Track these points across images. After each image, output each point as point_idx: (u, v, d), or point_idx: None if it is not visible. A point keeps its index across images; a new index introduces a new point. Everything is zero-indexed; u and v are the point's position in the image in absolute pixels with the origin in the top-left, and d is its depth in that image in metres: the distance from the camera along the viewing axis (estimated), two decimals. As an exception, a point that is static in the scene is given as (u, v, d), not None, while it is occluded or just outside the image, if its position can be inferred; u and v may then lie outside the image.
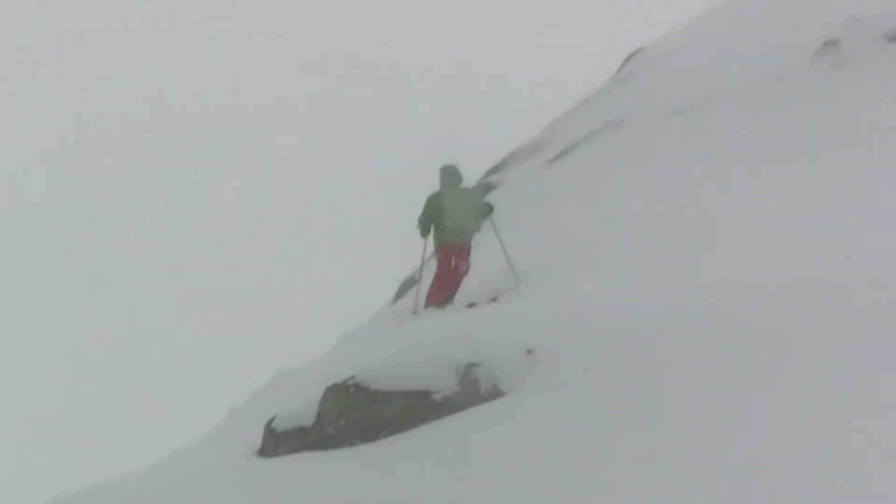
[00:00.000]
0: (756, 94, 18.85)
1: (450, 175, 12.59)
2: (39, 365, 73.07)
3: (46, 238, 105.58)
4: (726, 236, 11.26)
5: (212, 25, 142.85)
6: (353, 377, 9.10)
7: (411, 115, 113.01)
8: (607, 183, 17.10)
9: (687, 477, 5.95)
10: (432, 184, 12.68)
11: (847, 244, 9.62)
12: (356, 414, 8.89)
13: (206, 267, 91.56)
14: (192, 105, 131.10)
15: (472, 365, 8.72)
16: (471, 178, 13.91)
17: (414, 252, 13.58)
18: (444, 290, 12.40)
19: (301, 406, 9.43)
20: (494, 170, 26.28)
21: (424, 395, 8.68)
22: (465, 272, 12.43)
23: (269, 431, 9.55)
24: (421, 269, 13.51)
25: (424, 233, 12.53)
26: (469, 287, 12.39)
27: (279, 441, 9.39)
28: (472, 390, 8.58)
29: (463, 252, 12.42)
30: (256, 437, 9.72)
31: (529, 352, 8.71)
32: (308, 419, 9.24)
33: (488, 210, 12.76)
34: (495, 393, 8.50)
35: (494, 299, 11.91)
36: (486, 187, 22.38)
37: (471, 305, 11.89)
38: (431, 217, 12.40)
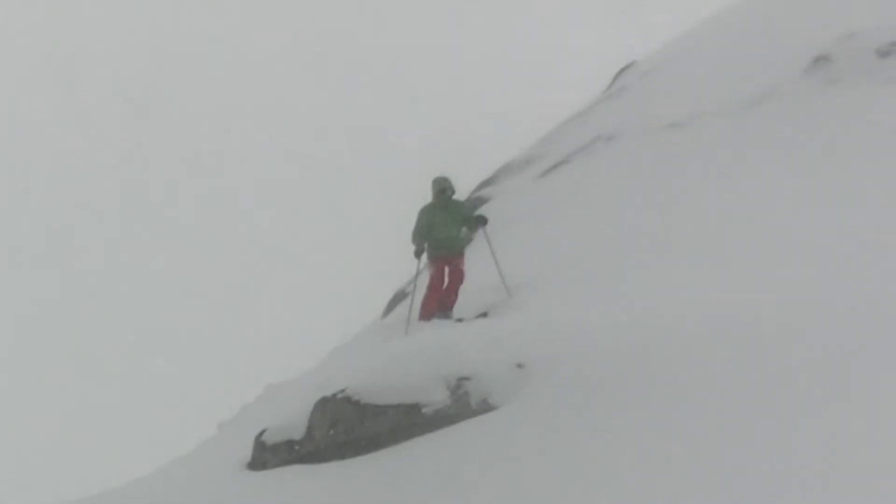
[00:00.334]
0: (748, 110, 18.90)
1: (441, 187, 12.58)
2: (33, 373, 72.95)
3: (46, 242, 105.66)
4: (719, 250, 11.28)
5: (212, 25, 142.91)
6: (343, 390, 9.07)
7: (407, 124, 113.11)
8: (600, 197, 17.09)
9: (680, 493, 5.91)
10: (424, 196, 12.68)
11: (839, 255, 9.67)
12: (346, 427, 8.86)
13: (199, 278, 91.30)
14: (193, 105, 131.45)
15: (462, 379, 8.70)
16: (463, 190, 13.85)
17: (405, 264, 13.54)
18: (438, 301, 12.36)
19: (291, 419, 9.40)
20: (486, 183, 26.22)
21: (415, 408, 8.65)
22: (461, 280, 12.40)
23: (259, 444, 9.51)
24: (413, 282, 13.46)
25: (419, 253, 12.51)
26: (460, 300, 12.36)
27: (269, 454, 9.35)
28: (462, 404, 8.56)
29: (454, 261, 12.40)
30: (246, 450, 9.67)
31: (520, 366, 8.69)
32: (298, 432, 9.21)
33: (481, 222, 12.74)
34: (486, 407, 8.48)
35: (484, 314, 11.88)
36: (478, 200, 22.32)
37: (459, 321, 11.84)
38: (423, 231, 12.39)
